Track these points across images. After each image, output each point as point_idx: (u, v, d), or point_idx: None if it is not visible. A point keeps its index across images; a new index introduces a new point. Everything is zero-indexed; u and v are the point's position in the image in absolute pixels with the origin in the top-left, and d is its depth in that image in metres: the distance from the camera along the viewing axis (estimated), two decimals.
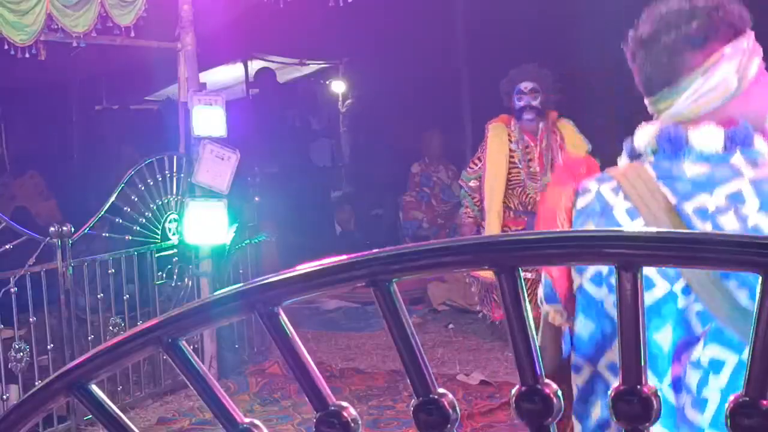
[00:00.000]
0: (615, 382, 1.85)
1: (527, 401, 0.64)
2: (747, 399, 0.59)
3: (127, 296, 5.59)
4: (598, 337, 1.73)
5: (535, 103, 5.75)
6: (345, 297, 7.72)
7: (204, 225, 5.87)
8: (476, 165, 6.04)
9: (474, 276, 6.09)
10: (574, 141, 5.72)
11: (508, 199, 5.83)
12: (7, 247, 4.82)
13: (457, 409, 0.66)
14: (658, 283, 1.63)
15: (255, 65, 10.48)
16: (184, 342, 0.70)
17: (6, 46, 5.05)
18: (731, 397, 0.60)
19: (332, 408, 0.66)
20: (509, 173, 5.82)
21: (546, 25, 8.64)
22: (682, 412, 1.62)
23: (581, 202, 1.77)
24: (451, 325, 7.16)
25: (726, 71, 1.67)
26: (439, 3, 9.43)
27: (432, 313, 7.61)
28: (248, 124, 8.06)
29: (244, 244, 6.40)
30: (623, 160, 1.81)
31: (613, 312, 1.66)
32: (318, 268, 0.67)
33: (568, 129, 5.83)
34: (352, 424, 0.66)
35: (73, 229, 5.15)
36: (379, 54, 9.92)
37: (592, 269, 1.72)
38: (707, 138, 1.66)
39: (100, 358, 0.71)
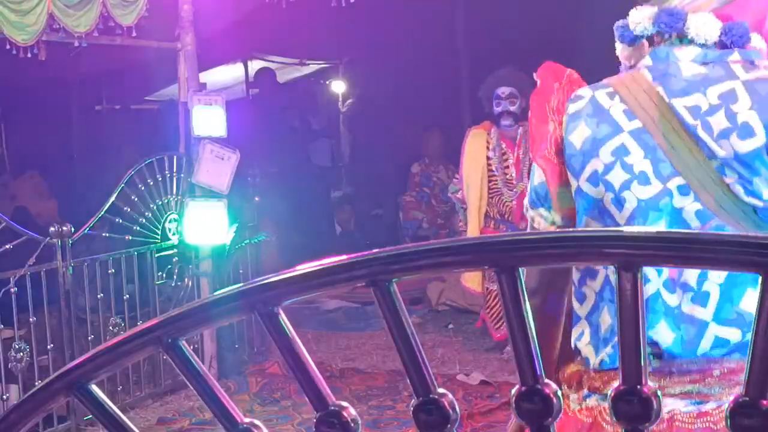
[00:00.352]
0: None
1: (527, 401, 0.64)
2: (747, 399, 0.59)
3: (127, 296, 5.59)
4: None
5: (513, 108, 5.65)
6: (345, 297, 7.72)
7: (204, 225, 5.87)
8: (459, 175, 6.02)
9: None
10: None
11: (489, 208, 5.78)
12: (7, 247, 4.83)
13: (457, 409, 0.66)
14: (653, 181, 1.65)
15: (255, 65, 10.47)
16: (184, 342, 0.70)
17: (8, 46, 5.05)
18: (731, 397, 0.60)
19: (332, 408, 0.67)
20: (489, 181, 5.77)
21: (546, 25, 8.63)
22: (679, 311, 1.63)
23: (573, 108, 1.77)
24: (451, 325, 7.16)
25: None
26: (439, 3, 9.43)
27: (432, 313, 7.61)
28: (248, 124, 8.05)
29: (244, 244, 6.40)
30: (619, 48, 1.82)
31: (612, 209, 1.71)
32: (318, 268, 0.67)
33: None
34: (352, 424, 0.66)
35: (73, 229, 5.15)
36: (379, 54, 9.91)
37: (588, 170, 1.72)
38: (705, 26, 1.67)
39: (100, 358, 0.71)
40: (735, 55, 1.67)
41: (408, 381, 0.66)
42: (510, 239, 0.66)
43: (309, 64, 11.21)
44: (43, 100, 9.61)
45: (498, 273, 0.64)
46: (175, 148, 6.10)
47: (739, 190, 1.62)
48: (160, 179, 5.82)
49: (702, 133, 1.63)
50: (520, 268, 0.65)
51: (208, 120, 5.86)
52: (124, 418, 0.71)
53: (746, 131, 1.61)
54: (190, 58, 5.98)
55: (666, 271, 1.64)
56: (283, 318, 0.67)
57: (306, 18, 7.61)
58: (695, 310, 1.62)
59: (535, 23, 8.69)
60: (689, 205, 1.63)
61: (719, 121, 1.62)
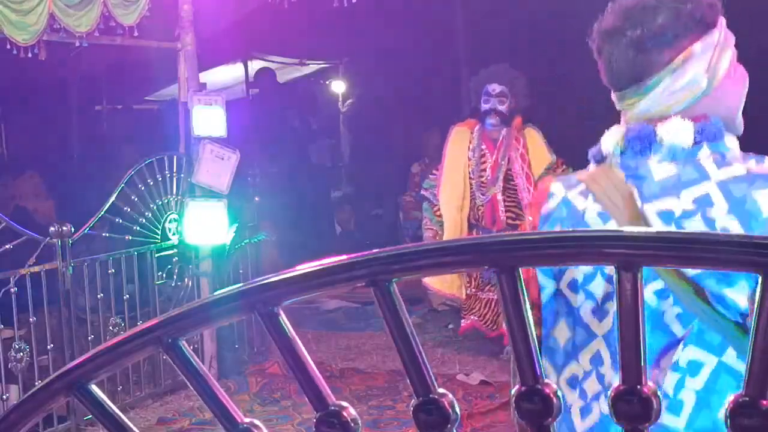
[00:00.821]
0: (571, 396, 1.78)
1: (527, 401, 0.64)
2: (747, 399, 0.59)
3: (127, 296, 5.59)
4: (569, 347, 1.69)
5: (501, 107, 5.39)
6: (345, 297, 7.72)
7: (204, 225, 5.87)
8: (438, 172, 5.75)
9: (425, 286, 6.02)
10: (537, 152, 5.34)
11: (469, 211, 5.59)
12: (7, 247, 4.83)
13: (457, 409, 0.66)
14: None
15: (255, 65, 10.47)
16: (184, 342, 0.70)
17: (8, 46, 5.05)
18: (731, 397, 0.60)
19: (332, 408, 0.66)
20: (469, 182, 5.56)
21: (547, 25, 8.63)
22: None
23: (547, 206, 1.72)
24: (451, 325, 7.16)
25: (696, 70, 1.61)
26: (439, 3, 9.43)
27: (432, 313, 7.61)
28: (248, 124, 8.06)
29: (244, 244, 6.40)
30: (591, 166, 1.76)
31: (588, 319, 1.65)
32: (318, 268, 0.67)
33: (533, 138, 5.42)
34: (352, 424, 0.66)
35: (73, 229, 5.15)
36: (379, 54, 9.92)
37: (568, 275, 1.68)
38: (677, 133, 1.61)
39: (100, 358, 0.71)
40: (704, 150, 1.60)
41: (408, 381, 0.66)
42: (510, 239, 0.66)
43: (309, 64, 11.21)
44: (43, 100, 9.60)
45: (498, 273, 0.64)
46: (175, 148, 6.10)
47: (713, 300, 1.54)
48: (160, 179, 5.82)
49: None
50: (520, 268, 0.65)
51: (208, 120, 5.86)
52: (124, 418, 0.71)
53: None
54: (190, 58, 5.99)
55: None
56: (283, 318, 0.67)
57: (306, 18, 7.61)
58: (667, 419, 1.56)
59: (536, 24, 8.69)
60: (669, 309, 1.58)
61: (696, 227, 1.54)
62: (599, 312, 1.65)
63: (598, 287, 1.64)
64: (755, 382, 0.59)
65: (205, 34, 6.23)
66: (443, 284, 5.79)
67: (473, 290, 5.71)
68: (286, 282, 0.68)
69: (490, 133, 5.44)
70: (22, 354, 4.86)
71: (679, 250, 0.62)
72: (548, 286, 1.71)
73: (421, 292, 7.79)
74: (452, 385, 5.50)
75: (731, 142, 1.64)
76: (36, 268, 4.99)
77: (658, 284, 1.57)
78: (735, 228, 1.53)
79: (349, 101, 11.31)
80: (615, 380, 1.29)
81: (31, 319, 4.98)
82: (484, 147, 5.45)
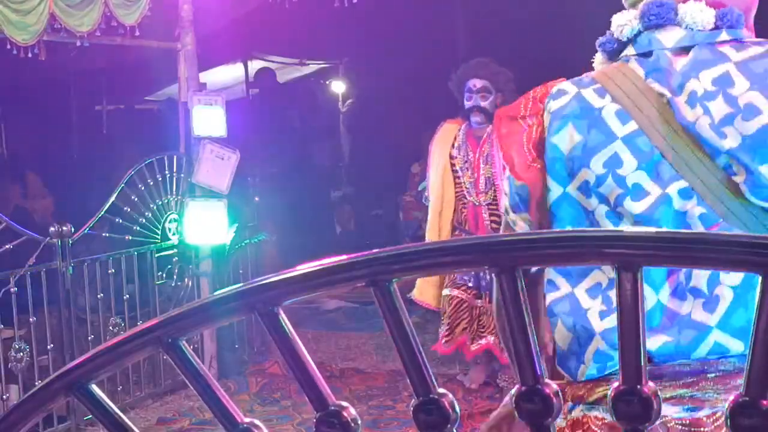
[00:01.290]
0: (589, 303, 1.67)
1: (527, 401, 0.64)
2: (747, 399, 0.59)
3: (127, 296, 5.59)
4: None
5: (484, 104, 5.03)
6: (345, 297, 7.72)
7: (204, 225, 5.87)
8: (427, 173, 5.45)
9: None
10: None
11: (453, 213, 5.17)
12: (7, 247, 4.83)
13: (457, 409, 0.66)
14: (651, 189, 1.55)
15: (255, 65, 10.47)
16: (184, 342, 0.70)
17: (8, 46, 5.05)
18: (731, 397, 0.60)
19: (332, 408, 0.67)
20: (455, 185, 5.15)
21: (547, 25, 8.63)
22: (688, 318, 1.52)
23: (556, 104, 1.63)
24: None
25: None
26: (440, 3, 9.43)
27: (432, 313, 7.60)
28: (248, 124, 8.06)
29: (244, 244, 6.40)
30: (598, 61, 1.72)
31: (606, 223, 1.58)
32: (318, 268, 0.67)
33: None
34: (352, 424, 0.66)
35: (73, 229, 5.15)
36: (379, 54, 9.91)
37: (579, 179, 1.60)
38: (698, 13, 1.59)
39: (100, 358, 0.71)
40: (723, 35, 1.58)
41: (408, 381, 0.66)
42: (510, 239, 0.66)
43: (309, 64, 11.21)
44: (43, 100, 9.61)
45: (498, 273, 0.64)
46: (175, 147, 6.10)
47: (746, 189, 1.50)
48: (160, 179, 5.82)
49: (703, 128, 1.51)
50: (520, 268, 0.65)
51: (208, 120, 5.86)
52: (124, 418, 0.71)
53: (751, 111, 1.49)
54: (190, 58, 5.99)
55: (675, 276, 1.54)
56: (283, 318, 0.67)
57: (306, 18, 7.61)
58: (698, 314, 1.52)
59: (536, 23, 8.69)
60: (692, 209, 1.52)
61: (719, 108, 1.50)
62: (613, 216, 1.58)
63: (610, 189, 1.58)
64: (755, 382, 0.59)
65: (205, 34, 6.23)
66: (424, 294, 5.40)
67: (455, 291, 5.21)
68: (286, 282, 0.68)
69: (475, 131, 5.13)
70: (22, 354, 4.86)
71: (679, 250, 0.62)
72: (556, 189, 1.63)
73: None
74: (452, 385, 5.50)
75: (748, 35, 1.62)
76: (36, 268, 4.99)
77: (681, 183, 1.53)
78: (759, 101, 1.49)
79: (349, 101, 11.31)
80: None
81: (31, 319, 4.98)
82: (469, 145, 5.12)
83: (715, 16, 1.58)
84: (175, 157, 5.94)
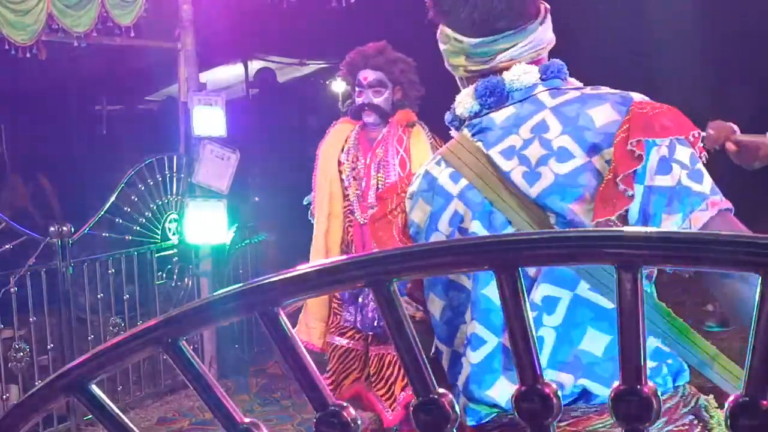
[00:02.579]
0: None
1: (527, 401, 0.64)
2: (747, 399, 0.59)
3: (127, 296, 5.59)
4: (449, 315, 1.71)
5: (378, 100, 4.12)
6: None
7: (204, 225, 5.87)
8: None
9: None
10: (419, 157, 3.97)
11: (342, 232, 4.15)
12: (7, 247, 4.83)
13: (457, 409, 0.66)
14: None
15: (255, 65, 10.47)
16: (184, 342, 0.70)
17: (6, 46, 5.05)
18: (731, 397, 0.60)
19: (332, 408, 0.66)
20: (343, 197, 4.16)
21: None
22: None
23: (411, 188, 1.79)
24: None
25: (550, 22, 1.79)
26: None
27: None
28: (248, 124, 8.05)
29: (243, 244, 6.40)
30: (453, 134, 1.83)
31: (462, 278, 1.67)
32: (318, 268, 0.67)
33: (418, 139, 4.10)
34: (352, 424, 0.66)
35: (73, 229, 5.15)
36: None
37: None
38: (523, 75, 1.70)
39: (100, 358, 0.71)
40: (539, 87, 1.70)
41: (408, 381, 0.66)
42: (510, 239, 0.66)
43: (309, 64, 11.21)
44: (43, 100, 9.61)
45: (498, 273, 0.64)
46: (175, 147, 6.10)
47: (558, 228, 1.58)
48: (160, 179, 5.82)
49: (516, 174, 1.63)
50: (520, 268, 0.65)
51: (208, 120, 5.86)
52: (124, 418, 0.71)
53: (564, 154, 1.60)
54: (190, 58, 5.99)
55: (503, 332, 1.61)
56: (283, 318, 0.67)
57: (306, 18, 7.61)
58: None
59: None
60: None
61: (535, 152, 1.62)
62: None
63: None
64: (755, 382, 0.59)
65: (205, 34, 6.23)
66: (309, 335, 4.15)
67: (342, 339, 4.12)
68: (286, 282, 0.68)
69: (368, 133, 4.17)
70: (22, 354, 4.86)
71: (679, 250, 0.62)
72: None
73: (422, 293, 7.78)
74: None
75: (574, 82, 1.75)
76: (36, 268, 4.99)
77: (509, 228, 1.63)
78: (568, 144, 1.60)
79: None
80: None
81: (31, 319, 4.98)
82: (360, 149, 4.15)
83: (539, 71, 1.71)
84: (175, 157, 5.94)
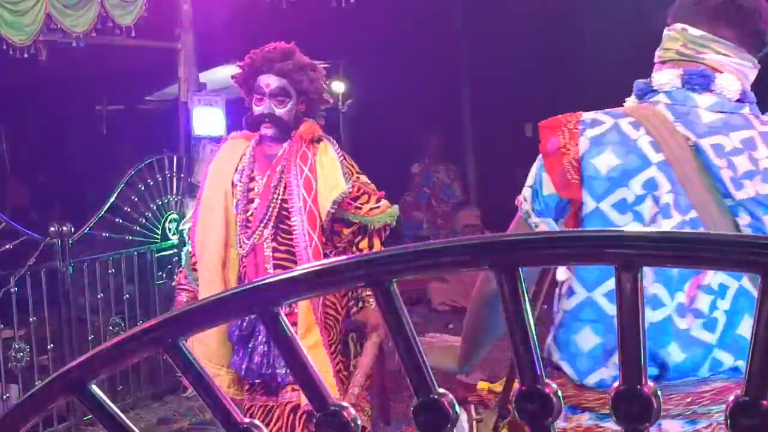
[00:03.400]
0: (609, 309, 1.84)
1: (527, 401, 0.64)
2: (747, 399, 0.59)
3: (127, 296, 5.59)
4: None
5: (281, 111, 3.57)
6: None
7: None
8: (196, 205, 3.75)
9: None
10: (328, 176, 3.53)
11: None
12: (7, 247, 4.83)
13: (457, 409, 0.66)
14: (673, 213, 1.78)
15: None
16: (184, 342, 0.70)
17: (5, 47, 5.05)
18: (731, 397, 0.60)
19: (332, 408, 0.66)
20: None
21: (547, 25, 8.63)
22: (687, 334, 1.76)
23: (594, 132, 1.86)
24: (451, 325, 7.15)
25: (757, 69, 1.95)
26: (439, 3, 9.44)
27: (432, 313, 7.61)
28: None
29: None
30: (631, 101, 1.96)
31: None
32: (318, 268, 0.67)
33: (326, 155, 3.59)
34: (352, 424, 0.66)
35: (73, 229, 5.15)
36: (379, 54, 9.91)
37: (615, 197, 1.82)
38: (730, 85, 1.87)
39: (100, 358, 0.71)
40: (746, 109, 1.87)
41: (408, 381, 0.66)
42: (510, 239, 0.66)
43: None
44: (43, 100, 9.61)
45: (498, 273, 0.64)
46: (175, 147, 6.10)
47: (749, 231, 1.75)
48: (160, 179, 5.82)
49: (725, 173, 1.78)
50: (520, 268, 0.65)
51: (208, 120, 5.87)
52: (124, 418, 0.71)
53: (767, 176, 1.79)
54: (190, 58, 5.99)
55: (678, 297, 1.76)
56: (283, 318, 0.67)
57: (306, 18, 7.61)
58: (703, 334, 1.77)
59: (536, 23, 8.69)
60: None
61: (743, 164, 1.78)
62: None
63: (647, 207, 1.81)
64: (755, 382, 0.59)
65: (205, 34, 6.23)
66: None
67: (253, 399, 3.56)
68: (286, 282, 0.68)
69: (266, 149, 3.62)
70: (22, 354, 4.86)
71: (679, 250, 0.62)
72: (590, 204, 1.85)
73: (421, 292, 7.80)
74: (452, 385, 5.49)
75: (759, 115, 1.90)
76: (36, 268, 4.99)
77: (693, 213, 1.77)
78: None
79: (349, 101, 11.31)
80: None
81: (31, 319, 4.98)
82: (256, 167, 3.60)
83: (740, 90, 1.88)
84: (175, 157, 5.94)
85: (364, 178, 3.72)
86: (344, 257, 0.67)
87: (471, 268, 0.69)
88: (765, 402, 0.59)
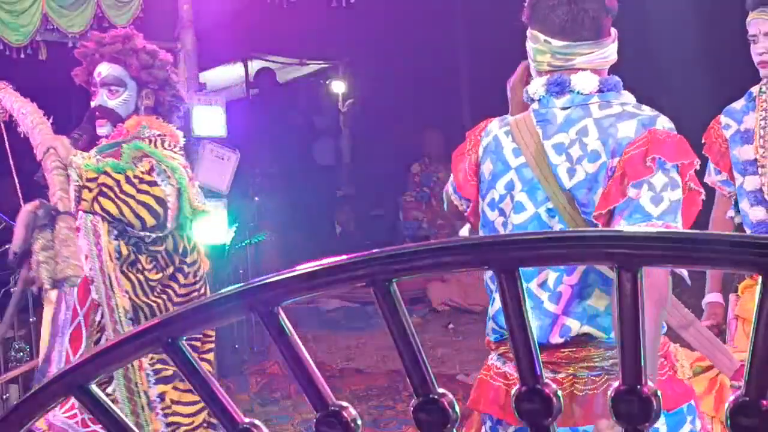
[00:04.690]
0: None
1: (527, 401, 0.64)
2: (747, 399, 0.59)
3: None
4: None
5: (114, 103, 3.29)
6: (345, 297, 7.72)
7: (204, 225, 5.86)
8: None
9: None
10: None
11: None
12: (7, 246, 4.82)
13: (457, 409, 0.66)
14: (527, 206, 2.14)
15: (255, 65, 10.47)
16: (184, 342, 0.70)
17: (1, 47, 5.06)
18: (731, 397, 0.60)
19: (332, 408, 0.67)
20: None
21: None
22: (541, 305, 2.11)
23: (485, 142, 2.25)
24: (451, 325, 7.16)
25: (617, 44, 2.20)
26: (439, 3, 9.44)
27: (432, 313, 7.61)
28: (248, 124, 8.06)
29: (244, 244, 6.40)
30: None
31: (501, 230, 2.22)
32: (318, 268, 0.67)
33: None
34: (352, 424, 0.66)
35: None
36: (379, 54, 9.92)
37: (488, 198, 2.22)
38: (586, 81, 2.12)
39: (100, 358, 0.71)
40: (594, 99, 2.13)
41: (408, 381, 0.66)
42: (510, 239, 0.66)
43: (309, 64, 11.20)
44: (42, 100, 9.60)
45: (498, 273, 0.64)
46: None
47: (581, 211, 2.09)
48: None
49: (561, 168, 2.11)
50: (520, 268, 0.65)
51: (208, 120, 5.87)
52: (125, 418, 0.71)
53: (593, 156, 2.08)
54: (189, 58, 5.99)
55: (541, 275, 2.11)
56: (283, 318, 0.67)
57: (306, 18, 7.61)
58: (550, 306, 2.10)
59: None
60: (556, 225, 2.10)
61: (576, 152, 2.10)
62: (504, 226, 2.21)
63: (507, 205, 2.19)
64: (755, 382, 0.59)
65: (205, 34, 6.23)
66: None
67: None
68: (286, 282, 0.68)
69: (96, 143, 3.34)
70: (22, 354, 4.86)
71: (679, 249, 0.62)
72: (480, 202, 2.31)
73: (421, 292, 7.80)
74: (452, 385, 5.50)
75: (628, 96, 2.15)
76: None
77: (549, 204, 2.12)
78: (597, 147, 2.08)
79: (349, 101, 11.31)
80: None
81: (31, 320, 4.98)
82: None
83: (599, 81, 2.13)
84: None
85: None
86: (344, 257, 0.67)
87: (471, 268, 0.69)
88: (765, 402, 0.59)
